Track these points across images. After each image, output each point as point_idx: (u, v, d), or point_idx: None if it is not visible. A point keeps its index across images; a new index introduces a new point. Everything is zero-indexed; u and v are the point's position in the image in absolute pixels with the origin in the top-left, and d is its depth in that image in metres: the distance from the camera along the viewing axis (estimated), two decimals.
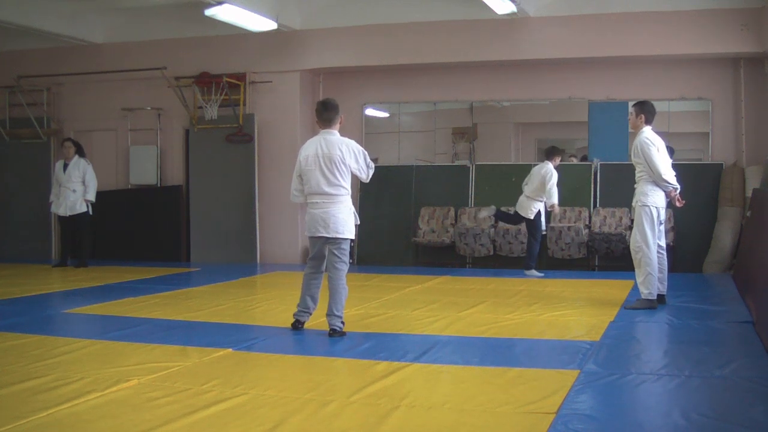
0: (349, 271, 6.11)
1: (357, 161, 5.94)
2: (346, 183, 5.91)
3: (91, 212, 11.01)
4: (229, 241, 11.79)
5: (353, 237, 6.04)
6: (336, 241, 5.92)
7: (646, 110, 7.15)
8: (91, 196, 10.96)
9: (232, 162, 11.77)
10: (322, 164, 5.85)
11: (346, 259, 6.00)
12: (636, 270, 7.03)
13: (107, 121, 12.50)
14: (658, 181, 6.92)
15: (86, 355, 5.20)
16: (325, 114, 6.01)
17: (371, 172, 6.12)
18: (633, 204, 7.15)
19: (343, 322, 5.94)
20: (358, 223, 6.15)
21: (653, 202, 6.92)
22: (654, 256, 6.87)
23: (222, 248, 11.78)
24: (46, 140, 12.61)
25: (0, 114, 12.76)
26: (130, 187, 12.48)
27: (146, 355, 5.20)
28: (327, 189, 5.85)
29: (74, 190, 10.86)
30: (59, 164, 11.10)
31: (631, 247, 7.04)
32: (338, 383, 4.61)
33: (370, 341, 5.64)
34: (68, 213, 10.91)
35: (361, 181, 6.26)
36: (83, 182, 10.92)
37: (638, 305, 6.94)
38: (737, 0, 9.89)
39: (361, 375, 4.65)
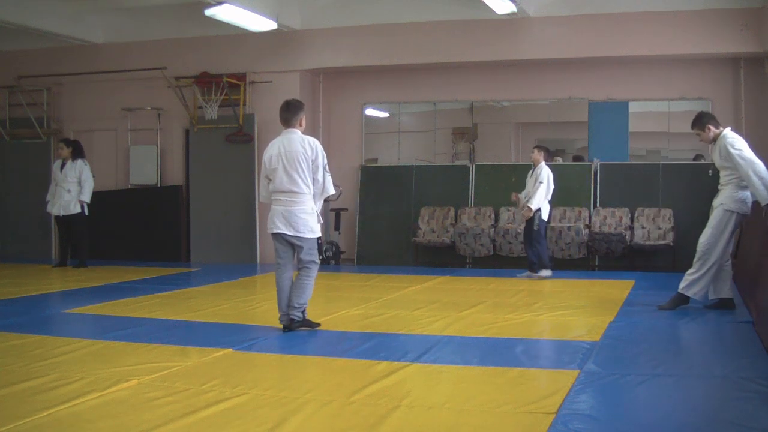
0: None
1: (323, 158, 5.92)
2: (310, 181, 5.90)
3: (86, 213, 10.99)
4: (229, 241, 11.79)
5: (319, 235, 6.06)
6: (300, 241, 5.95)
7: (708, 120, 6.78)
8: (86, 197, 10.93)
9: (232, 162, 11.77)
10: (285, 162, 5.87)
11: (316, 258, 6.05)
12: (695, 263, 6.69)
13: (107, 121, 12.51)
14: (752, 179, 6.32)
15: (86, 355, 5.20)
16: (284, 114, 6.05)
17: (329, 179, 5.96)
18: (714, 204, 6.75)
19: (303, 312, 5.99)
20: (321, 222, 6.17)
21: (739, 209, 6.56)
22: (718, 260, 6.60)
23: (222, 248, 11.77)
24: (46, 140, 12.62)
25: (0, 114, 12.77)
26: (130, 187, 12.49)
27: (146, 355, 5.19)
28: (290, 187, 5.88)
29: (69, 190, 10.84)
30: (57, 164, 11.08)
31: (700, 242, 6.67)
32: (338, 383, 4.60)
33: (370, 341, 5.63)
34: (62, 213, 10.90)
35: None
36: (79, 183, 10.90)
37: (671, 305, 6.82)
38: (737, 0, 9.89)
39: (361, 375, 4.65)
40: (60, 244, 11.37)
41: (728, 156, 6.51)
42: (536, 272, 9.56)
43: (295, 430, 3.61)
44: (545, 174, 9.46)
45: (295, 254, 6.12)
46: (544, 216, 9.53)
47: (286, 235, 5.94)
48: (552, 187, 9.51)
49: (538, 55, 10.83)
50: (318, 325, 6.06)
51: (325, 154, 5.99)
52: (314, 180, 5.92)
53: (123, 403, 4.05)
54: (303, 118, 6.09)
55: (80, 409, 3.91)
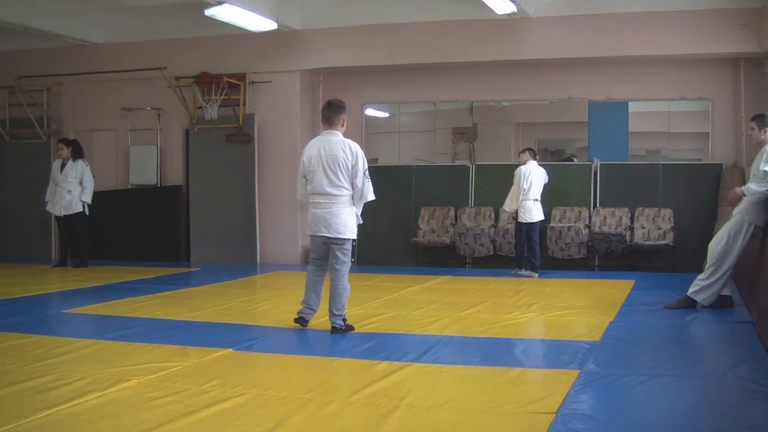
0: (350, 271, 6.13)
1: (364, 163, 5.91)
2: (348, 184, 5.92)
3: (87, 213, 10.99)
4: (229, 241, 11.79)
5: (355, 237, 6.08)
6: (338, 241, 5.96)
7: None
8: (87, 198, 10.92)
9: (232, 162, 11.77)
10: (325, 165, 5.87)
11: (348, 259, 6.06)
12: (707, 269, 6.73)
13: (107, 121, 12.50)
14: (751, 188, 6.40)
15: (86, 355, 5.20)
16: (326, 113, 6.02)
17: (369, 185, 5.97)
18: (734, 211, 6.75)
19: (344, 320, 6.00)
20: (361, 222, 6.17)
21: (752, 219, 6.52)
22: (730, 267, 6.64)
23: (222, 248, 11.77)
24: (46, 140, 12.61)
25: (0, 114, 12.77)
26: (130, 187, 12.48)
27: (146, 355, 5.20)
28: (329, 189, 5.89)
29: (70, 191, 10.82)
30: (56, 163, 11.06)
31: (712, 248, 6.69)
32: (338, 383, 4.61)
33: (370, 341, 5.64)
34: (63, 213, 10.88)
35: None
36: (80, 183, 10.89)
37: (678, 305, 6.83)
38: (737, 0, 9.89)
39: (361, 375, 4.65)
40: (60, 244, 11.36)
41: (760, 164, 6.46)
42: (536, 272, 9.61)
43: (295, 430, 3.61)
44: (516, 175, 9.69)
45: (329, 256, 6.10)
46: (530, 216, 9.64)
47: (325, 236, 5.94)
48: (525, 186, 9.58)
49: (538, 55, 10.83)
50: (351, 329, 6.06)
51: (365, 159, 5.96)
52: (353, 185, 5.91)
53: (123, 403, 4.06)
54: (345, 119, 6.05)
55: (80, 409, 3.91)
